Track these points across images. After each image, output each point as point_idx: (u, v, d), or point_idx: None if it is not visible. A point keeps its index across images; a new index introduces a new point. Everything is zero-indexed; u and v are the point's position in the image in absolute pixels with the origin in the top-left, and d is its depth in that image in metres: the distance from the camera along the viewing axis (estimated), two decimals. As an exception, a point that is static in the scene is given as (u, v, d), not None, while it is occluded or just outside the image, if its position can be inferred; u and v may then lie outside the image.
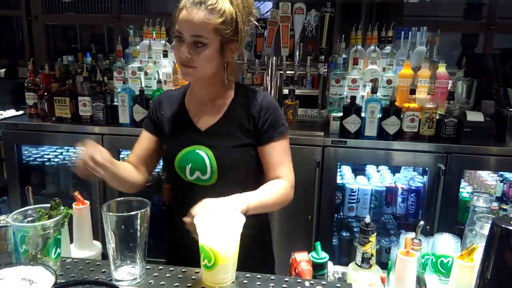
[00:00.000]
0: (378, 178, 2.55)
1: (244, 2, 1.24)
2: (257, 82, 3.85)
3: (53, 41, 4.48)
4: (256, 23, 2.38)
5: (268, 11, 3.06)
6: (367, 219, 1.14)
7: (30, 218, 1.00)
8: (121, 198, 1.04)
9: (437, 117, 2.26)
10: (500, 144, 2.25)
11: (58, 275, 0.94)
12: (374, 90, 2.28)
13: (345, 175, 2.57)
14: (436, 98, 2.29)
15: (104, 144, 2.44)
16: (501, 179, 2.51)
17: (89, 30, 5.25)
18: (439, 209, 2.22)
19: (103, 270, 1.05)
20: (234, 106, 1.33)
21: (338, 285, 1.06)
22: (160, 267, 1.06)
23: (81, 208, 1.31)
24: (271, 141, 1.31)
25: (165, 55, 2.55)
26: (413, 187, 2.40)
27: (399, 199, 2.43)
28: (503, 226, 0.86)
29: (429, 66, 2.35)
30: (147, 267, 1.05)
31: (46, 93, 2.58)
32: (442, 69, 2.35)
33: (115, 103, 2.58)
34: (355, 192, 2.43)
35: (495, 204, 2.21)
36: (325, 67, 2.50)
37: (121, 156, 2.69)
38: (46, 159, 2.80)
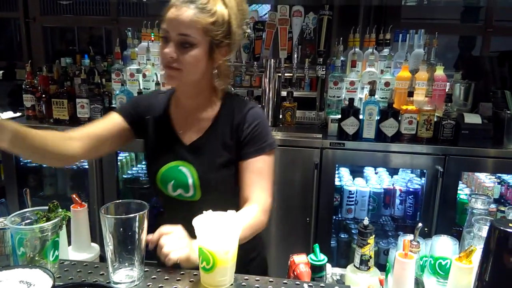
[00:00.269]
0: (376, 180, 2.55)
1: (239, 6, 1.19)
2: (255, 84, 3.86)
3: (51, 43, 4.46)
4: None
5: (266, 13, 3.07)
6: (365, 221, 1.14)
7: (28, 221, 0.99)
8: (120, 201, 1.04)
9: (435, 119, 2.27)
10: (498, 146, 2.26)
11: (56, 277, 0.93)
12: (372, 92, 2.28)
13: (343, 177, 2.57)
14: (434, 100, 2.30)
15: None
16: (498, 181, 2.51)
17: (87, 32, 5.24)
18: (437, 211, 2.23)
19: (101, 273, 1.04)
20: (220, 120, 1.26)
21: (336, 287, 1.06)
22: (158, 270, 1.06)
23: (79, 211, 1.31)
24: (249, 158, 1.22)
25: (164, 57, 2.55)
26: (411, 189, 2.40)
27: (397, 201, 2.44)
28: (502, 228, 0.86)
29: (426, 68, 2.36)
30: (145, 269, 1.05)
31: (44, 95, 2.58)
32: (440, 72, 2.36)
33: (113, 105, 2.58)
34: (353, 194, 2.43)
35: (493, 206, 2.21)
36: (323, 69, 2.51)
37: (118, 158, 2.69)
38: (43, 161, 2.79)
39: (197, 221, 0.98)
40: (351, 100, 2.32)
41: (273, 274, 1.47)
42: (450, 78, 2.49)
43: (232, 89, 1.20)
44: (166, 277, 1.03)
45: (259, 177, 1.23)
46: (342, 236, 2.56)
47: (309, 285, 1.02)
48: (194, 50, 1.13)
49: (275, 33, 2.45)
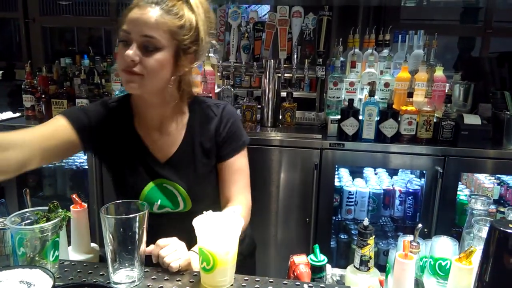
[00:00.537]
0: (375, 180, 2.55)
1: (206, 13, 1.12)
2: (255, 84, 3.87)
3: (50, 44, 4.47)
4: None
5: (266, 14, 3.07)
6: (365, 222, 1.14)
7: (28, 221, 0.99)
8: (120, 201, 1.04)
9: (435, 120, 2.27)
10: (497, 147, 2.27)
11: (56, 277, 0.93)
12: (371, 93, 2.28)
13: (343, 178, 2.57)
14: (433, 101, 2.30)
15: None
16: (498, 181, 2.52)
17: (87, 32, 5.25)
18: (436, 212, 2.23)
19: (101, 273, 1.04)
20: (193, 129, 1.20)
21: (336, 287, 1.06)
22: (159, 270, 1.06)
23: (79, 211, 1.30)
24: (228, 158, 1.22)
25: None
26: (410, 190, 2.40)
27: (397, 202, 2.44)
28: (501, 229, 0.86)
29: (426, 69, 2.36)
30: (146, 269, 1.05)
31: (43, 95, 2.58)
32: (439, 72, 2.36)
33: (113, 106, 2.57)
34: (353, 194, 2.43)
35: (492, 207, 2.22)
36: (323, 70, 2.51)
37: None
38: (43, 162, 2.79)
39: (197, 222, 0.98)
40: (351, 101, 2.32)
41: (273, 274, 1.47)
42: (450, 79, 2.50)
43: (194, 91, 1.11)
44: (166, 277, 1.03)
45: (240, 175, 1.24)
46: (342, 236, 2.56)
47: (309, 286, 1.02)
48: (159, 53, 1.05)
49: (274, 33, 2.45)
